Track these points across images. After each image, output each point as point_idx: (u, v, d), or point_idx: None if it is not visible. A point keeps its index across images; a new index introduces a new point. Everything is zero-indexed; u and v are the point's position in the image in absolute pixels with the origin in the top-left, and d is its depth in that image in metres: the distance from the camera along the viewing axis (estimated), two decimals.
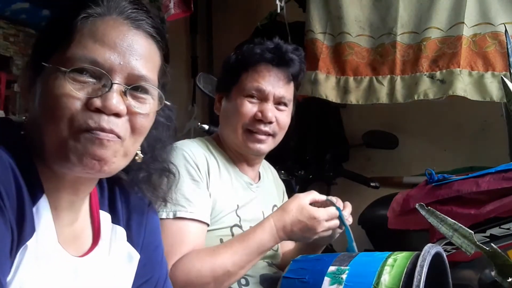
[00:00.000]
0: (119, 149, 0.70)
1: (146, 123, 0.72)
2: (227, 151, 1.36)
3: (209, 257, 1.13)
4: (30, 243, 0.65)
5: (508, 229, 1.24)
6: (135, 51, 0.70)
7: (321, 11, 2.12)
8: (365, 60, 2.06)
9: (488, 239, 1.25)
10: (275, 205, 1.44)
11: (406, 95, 1.95)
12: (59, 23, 0.70)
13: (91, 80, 0.67)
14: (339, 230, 1.23)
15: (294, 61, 1.32)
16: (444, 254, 1.04)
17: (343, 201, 1.26)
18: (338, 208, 1.19)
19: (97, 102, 0.66)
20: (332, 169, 2.53)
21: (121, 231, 0.83)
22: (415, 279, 0.89)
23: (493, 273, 0.75)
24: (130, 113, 0.70)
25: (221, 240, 1.24)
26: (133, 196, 0.85)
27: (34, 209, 0.67)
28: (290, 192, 1.69)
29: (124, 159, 0.72)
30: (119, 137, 0.69)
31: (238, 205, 1.30)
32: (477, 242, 0.74)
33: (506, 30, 1.23)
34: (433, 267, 0.93)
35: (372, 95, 2.02)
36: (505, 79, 0.90)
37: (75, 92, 0.66)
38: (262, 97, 1.30)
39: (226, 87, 1.35)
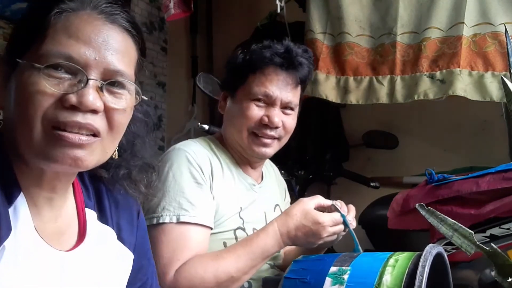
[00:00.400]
0: (97, 147, 0.69)
1: (123, 119, 0.71)
2: (230, 152, 1.35)
3: (213, 262, 1.13)
4: (7, 243, 0.64)
5: (508, 229, 1.24)
6: (111, 46, 0.69)
7: (321, 11, 2.12)
8: (365, 60, 2.06)
9: (488, 239, 1.25)
10: (277, 205, 1.44)
11: (406, 95, 1.95)
12: (33, 18, 0.69)
13: (66, 76, 0.66)
14: (342, 233, 1.23)
15: (303, 65, 1.30)
16: (445, 255, 1.04)
17: (343, 201, 1.26)
18: (342, 215, 1.19)
19: (73, 99, 0.65)
20: (332, 169, 2.53)
21: (109, 231, 0.83)
22: (417, 280, 0.89)
23: (493, 273, 0.75)
24: (107, 109, 0.68)
25: (225, 244, 1.23)
26: (120, 196, 0.85)
27: (11, 209, 0.66)
28: (290, 192, 1.69)
29: (102, 155, 0.71)
30: (95, 135, 0.68)
31: (241, 207, 1.29)
32: (477, 242, 0.75)
33: (506, 30, 1.23)
34: (434, 267, 0.93)
35: (372, 95, 2.02)
36: (505, 79, 0.90)
37: (49, 88, 0.64)
38: (269, 102, 1.28)
39: (232, 87, 1.33)
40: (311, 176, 2.48)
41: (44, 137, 0.65)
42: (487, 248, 0.73)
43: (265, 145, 1.30)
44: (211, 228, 1.21)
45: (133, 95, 0.73)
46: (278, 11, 2.17)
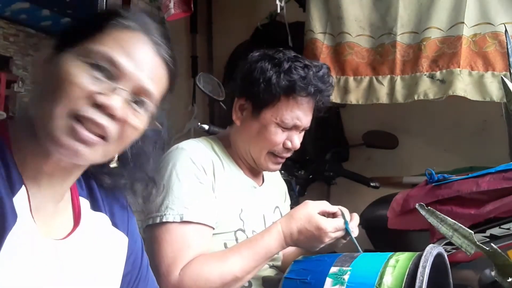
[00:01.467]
0: (100, 148, 0.74)
1: (133, 135, 0.77)
2: (234, 156, 1.35)
3: (218, 262, 1.13)
4: (15, 229, 0.68)
5: (508, 229, 1.24)
6: (150, 69, 0.76)
7: (321, 11, 2.12)
8: (365, 60, 2.06)
9: (488, 239, 1.25)
10: (277, 207, 1.44)
11: (406, 95, 1.95)
12: (93, 22, 0.77)
13: (103, 78, 0.72)
14: (343, 241, 1.23)
15: (327, 91, 1.31)
16: (446, 255, 1.04)
17: (343, 201, 1.26)
18: (346, 222, 1.19)
19: (103, 99, 0.71)
20: (332, 169, 2.53)
21: (103, 217, 0.86)
22: (417, 280, 0.89)
23: (493, 273, 0.75)
24: (124, 121, 0.74)
25: (225, 245, 1.23)
26: (109, 190, 0.89)
27: (14, 200, 0.70)
28: (290, 192, 1.69)
29: (102, 157, 0.76)
30: (104, 138, 0.73)
31: (242, 209, 1.29)
32: (477, 242, 0.75)
33: (506, 30, 1.24)
34: (434, 267, 0.93)
35: (372, 95, 2.02)
36: (505, 79, 0.90)
37: (87, 83, 0.71)
38: (295, 128, 1.29)
39: (257, 102, 1.27)
40: (311, 176, 2.48)
41: (62, 123, 0.70)
42: (487, 248, 0.73)
43: (280, 163, 1.34)
44: (213, 228, 1.21)
45: (149, 118, 0.79)
46: (278, 11, 2.17)
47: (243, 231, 1.28)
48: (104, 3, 2.02)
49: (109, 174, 0.85)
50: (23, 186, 0.72)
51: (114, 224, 0.87)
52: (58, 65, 0.73)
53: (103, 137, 0.73)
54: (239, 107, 1.31)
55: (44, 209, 0.76)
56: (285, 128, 1.28)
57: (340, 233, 1.18)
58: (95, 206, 0.86)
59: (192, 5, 2.21)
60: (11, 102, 3.18)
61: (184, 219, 1.15)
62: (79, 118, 0.70)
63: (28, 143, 0.74)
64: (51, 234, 0.76)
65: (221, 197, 1.24)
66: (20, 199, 0.71)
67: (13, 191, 0.70)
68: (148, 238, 1.16)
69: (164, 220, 1.15)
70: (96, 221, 0.85)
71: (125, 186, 0.88)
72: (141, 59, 0.75)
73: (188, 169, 1.20)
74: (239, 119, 1.32)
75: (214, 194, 1.23)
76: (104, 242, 0.85)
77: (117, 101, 0.71)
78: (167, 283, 1.10)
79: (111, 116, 0.72)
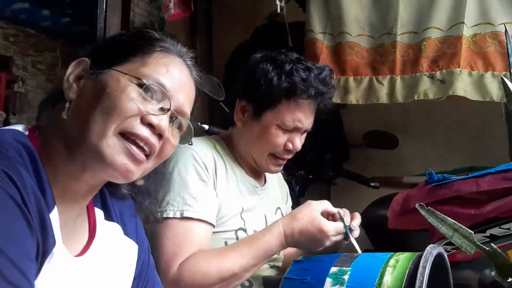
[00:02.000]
0: (142, 168, 0.77)
1: (170, 152, 0.81)
2: (236, 156, 1.35)
3: (217, 259, 1.13)
4: (55, 250, 0.70)
5: (508, 229, 1.24)
6: (188, 92, 0.82)
7: (321, 11, 2.12)
8: (365, 60, 2.06)
9: (488, 239, 1.25)
10: (278, 208, 1.44)
11: (406, 95, 1.95)
12: (139, 44, 0.81)
13: (151, 100, 0.76)
14: (345, 242, 1.22)
15: (329, 94, 1.31)
16: (446, 255, 1.04)
17: (343, 201, 1.26)
18: (345, 226, 1.18)
19: (154, 119, 0.75)
20: (332, 169, 2.53)
21: (116, 228, 0.87)
22: (417, 280, 0.89)
23: (493, 273, 0.75)
24: (166, 139, 0.78)
25: (226, 243, 1.23)
26: (120, 196, 0.89)
27: (50, 218, 0.70)
28: (290, 192, 1.68)
29: (140, 175, 0.79)
30: (148, 156, 0.77)
31: (243, 208, 1.30)
32: (477, 242, 0.74)
33: (506, 30, 1.24)
34: (434, 267, 0.93)
35: (372, 95, 2.02)
36: (505, 79, 0.90)
37: (140, 103, 0.74)
38: (296, 130, 1.29)
39: (258, 105, 1.28)
40: (311, 176, 2.48)
41: (114, 141, 0.73)
42: (487, 248, 0.73)
43: (281, 165, 1.34)
44: (214, 226, 1.22)
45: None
46: (278, 11, 2.17)
47: (244, 230, 1.28)
48: (104, 4, 2.02)
49: (131, 190, 0.87)
50: (55, 206, 0.72)
51: (126, 233, 0.89)
52: (108, 82, 0.75)
53: (146, 156, 0.76)
54: (241, 108, 1.31)
55: (67, 226, 0.77)
56: (286, 130, 1.28)
57: (340, 236, 1.18)
58: (108, 216, 0.87)
59: (192, 5, 2.22)
60: (11, 102, 3.19)
61: (185, 215, 1.15)
62: (130, 136, 0.74)
63: (59, 160, 0.75)
64: (71, 251, 0.77)
65: (222, 195, 1.25)
66: (53, 220, 0.71)
67: (48, 211, 0.70)
68: (149, 233, 1.16)
69: (164, 215, 1.15)
70: (109, 231, 0.86)
71: (138, 197, 0.89)
72: (182, 81, 0.81)
73: (190, 166, 1.21)
74: (241, 121, 1.32)
75: (216, 191, 1.24)
76: (117, 252, 0.86)
77: (165, 122, 0.76)
78: (166, 278, 1.10)
79: (159, 135, 0.76)
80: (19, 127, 0.77)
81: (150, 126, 0.75)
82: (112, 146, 0.73)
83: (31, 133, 0.77)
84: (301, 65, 1.26)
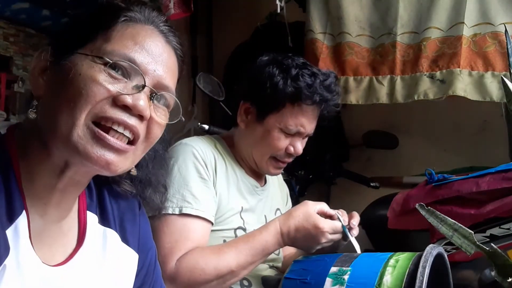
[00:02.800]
0: (130, 156, 0.70)
1: (159, 133, 0.74)
2: (236, 156, 1.36)
3: (214, 255, 1.14)
4: (8, 261, 0.63)
5: (508, 229, 1.24)
6: (167, 63, 0.73)
7: (321, 11, 2.12)
8: (365, 60, 2.06)
9: (488, 239, 1.25)
10: (278, 209, 1.44)
11: (406, 95, 1.95)
12: (100, 19, 0.72)
13: (122, 78, 0.68)
14: (344, 242, 1.23)
15: (333, 101, 1.31)
16: (446, 255, 1.04)
17: (343, 201, 1.26)
18: (343, 226, 1.18)
19: (128, 99, 0.67)
20: (332, 169, 2.53)
21: (112, 234, 0.81)
22: (417, 280, 0.89)
23: (493, 273, 0.75)
24: (150, 119, 0.70)
25: (224, 241, 1.24)
26: (123, 197, 0.84)
27: (12, 227, 0.65)
28: (290, 192, 1.68)
29: (130, 165, 0.72)
30: (132, 142, 0.70)
31: (242, 207, 1.30)
32: (477, 242, 0.74)
33: (506, 30, 1.23)
34: (434, 267, 0.93)
35: (372, 95, 2.02)
36: (505, 79, 0.89)
37: (108, 84, 0.66)
38: (298, 134, 1.30)
39: (262, 107, 1.28)
40: (311, 176, 2.48)
41: (85, 132, 0.66)
42: (487, 248, 0.73)
43: (281, 168, 1.35)
44: (212, 224, 1.22)
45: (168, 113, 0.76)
46: (278, 11, 2.17)
47: (244, 229, 1.28)
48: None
49: (130, 180, 0.82)
50: (24, 211, 0.66)
51: (125, 240, 0.83)
52: (71, 69, 0.67)
53: (131, 142, 0.69)
54: (244, 110, 1.32)
55: (48, 231, 0.71)
56: (289, 134, 1.28)
57: (337, 236, 1.18)
58: (104, 221, 0.81)
59: (192, 5, 2.22)
60: (11, 102, 3.19)
61: (184, 212, 1.16)
62: (106, 121, 0.66)
63: (38, 157, 0.69)
64: (53, 259, 0.71)
65: (222, 194, 1.25)
66: (20, 226, 0.65)
67: (12, 218, 0.65)
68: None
69: (163, 212, 1.15)
70: (103, 237, 0.79)
71: (143, 191, 0.83)
72: (156, 52, 0.72)
73: (190, 164, 1.21)
74: (244, 122, 1.32)
75: (215, 189, 1.24)
76: (111, 260, 0.80)
77: (143, 101, 0.68)
78: (163, 273, 1.08)
79: (139, 116, 0.68)
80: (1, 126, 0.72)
81: (126, 107, 0.67)
82: (83, 137, 0.65)
83: (9, 132, 0.71)
84: (307, 71, 1.27)
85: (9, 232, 0.65)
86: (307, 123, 1.29)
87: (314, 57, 2.10)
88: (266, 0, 2.57)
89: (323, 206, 1.20)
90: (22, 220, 0.66)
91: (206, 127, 1.77)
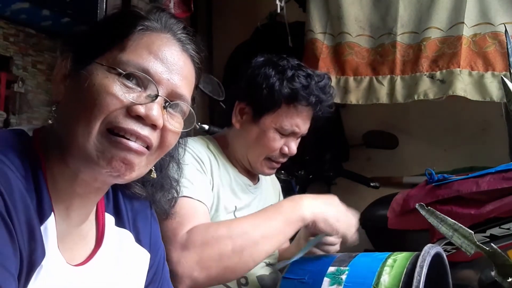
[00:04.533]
0: (144, 160, 0.71)
1: (173, 141, 0.74)
2: (229, 156, 1.36)
3: (226, 222, 1.13)
4: (44, 263, 0.66)
5: (508, 229, 1.24)
6: (182, 71, 0.73)
7: (321, 11, 2.12)
8: (365, 60, 2.06)
9: (488, 239, 1.25)
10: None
11: (406, 95, 1.95)
12: (116, 28, 0.73)
13: (136, 87, 0.69)
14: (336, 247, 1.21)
15: (327, 102, 1.33)
16: (444, 255, 1.03)
17: (343, 201, 1.24)
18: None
19: (141, 109, 0.68)
20: (332, 169, 2.53)
21: (127, 234, 0.83)
22: (414, 280, 0.89)
23: (493, 273, 0.75)
24: (164, 128, 0.71)
25: None
26: (136, 197, 0.86)
27: (42, 228, 0.66)
28: (290, 191, 1.69)
29: (144, 169, 0.73)
30: (148, 147, 0.70)
31: (236, 207, 1.30)
32: (477, 242, 0.74)
33: (506, 30, 1.23)
34: (433, 267, 0.93)
35: (372, 95, 2.02)
36: (505, 79, 0.89)
37: (121, 94, 0.68)
38: (292, 134, 1.31)
39: (258, 107, 1.29)
40: (311, 176, 2.48)
41: (100, 139, 0.67)
42: (487, 248, 0.73)
43: (275, 168, 1.36)
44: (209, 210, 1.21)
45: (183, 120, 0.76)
46: (278, 11, 2.17)
47: None
48: (104, 3, 2.02)
49: (142, 183, 0.82)
50: (52, 213, 0.68)
51: (138, 240, 0.84)
52: (87, 78, 0.68)
53: (146, 147, 0.70)
54: (240, 110, 1.32)
55: (70, 234, 0.73)
56: (283, 134, 1.29)
57: (334, 247, 1.18)
58: (120, 222, 0.82)
59: (192, 5, 2.22)
60: (11, 102, 3.19)
61: (184, 194, 1.11)
62: (119, 131, 0.67)
63: (58, 162, 0.70)
64: (74, 259, 0.73)
65: (216, 191, 1.25)
66: (48, 228, 0.67)
67: (42, 219, 0.66)
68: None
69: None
70: (119, 238, 0.81)
71: (154, 195, 0.85)
72: (171, 61, 0.72)
73: (187, 160, 1.20)
74: (239, 123, 1.32)
75: (211, 185, 1.24)
76: (127, 260, 0.81)
77: (156, 110, 0.68)
78: (174, 244, 1.02)
79: (153, 126, 0.69)
80: (25, 128, 0.73)
81: (139, 118, 0.68)
82: (98, 146, 0.67)
83: (35, 135, 0.73)
84: (302, 72, 1.28)
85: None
86: (301, 124, 1.30)
87: (314, 57, 2.10)
88: (266, 0, 2.57)
89: None
90: (51, 221, 0.68)
91: (206, 127, 1.77)
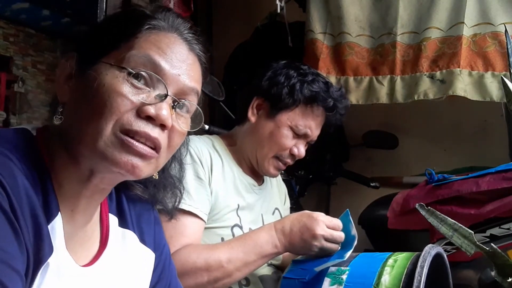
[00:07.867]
0: (153, 162, 0.71)
1: (180, 141, 0.74)
2: (235, 154, 1.37)
3: (206, 250, 1.14)
4: (51, 260, 0.65)
5: (508, 229, 1.24)
6: (190, 70, 0.73)
7: (321, 11, 2.12)
8: (365, 60, 2.06)
9: (488, 239, 1.25)
10: (276, 208, 1.44)
11: (406, 95, 1.95)
12: (123, 27, 0.72)
13: (145, 88, 0.69)
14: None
15: (341, 111, 1.38)
16: (445, 255, 1.04)
17: (343, 201, 1.25)
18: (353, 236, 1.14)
19: (151, 110, 0.67)
20: (332, 169, 2.53)
21: (131, 235, 0.83)
22: (415, 280, 0.89)
23: (493, 273, 0.75)
24: (172, 128, 0.71)
25: (222, 239, 1.24)
26: (138, 199, 0.85)
27: (49, 227, 0.66)
28: (290, 191, 1.68)
29: (153, 170, 0.73)
30: (156, 150, 0.70)
31: (239, 205, 1.30)
32: (477, 242, 0.74)
33: (506, 30, 1.23)
34: (433, 267, 0.93)
35: (372, 95, 2.02)
36: (505, 79, 0.89)
37: (132, 95, 0.67)
38: (304, 137, 1.34)
39: (275, 104, 1.32)
40: (311, 176, 2.48)
41: (112, 139, 0.66)
42: (487, 248, 0.73)
43: (281, 169, 1.37)
44: (205, 222, 1.22)
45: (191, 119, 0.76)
46: (278, 11, 2.17)
47: (240, 227, 1.28)
48: (104, 3, 2.02)
49: (144, 184, 0.82)
50: (59, 213, 0.68)
51: (142, 240, 0.84)
52: (95, 78, 0.67)
53: (155, 149, 0.70)
54: (257, 105, 1.36)
55: (75, 235, 0.73)
56: (296, 134, 1.32)
57: (338, 234, 1.16)
58: (123, 223, 0.82)
59: (192, 5, 2.22)
60: (11, 102, 3.19)
61: (180, 206, 1.12)
62: (129, 133, 0.67)
63: (65, 164, 0.69)
64: (81, 260, 0.73)
65: (217, 191, 1.25)
66: (55, 228, 0.67)
67: (49, 218, 0.66)
68: None
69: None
70: (123, 239, 0.81)
71: (155, 195, 0.84)
72: (180, 59, 0.72)
73: (188, 164, 1.21)
74: (254, 117, 1.35)
75: (210, 188, 1.24)
76: (131, 261, 0.81)
77: (166, 110, 0.68)
78: None
79: (162, 126, 0.69)
80: (29, 127, 0.72)
81: (149, 118, 0.67)
82: (111, 145, 0.66)
83: (38, 134, 0.72)
84: (322, 78, 1.36)
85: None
86: (314, 127, 1.35)
87: (314, 57, 2.10)
88: (266, 0, 2.57)
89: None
90: (58, 221, 0.68)
91: (206, 127, 1.77)
